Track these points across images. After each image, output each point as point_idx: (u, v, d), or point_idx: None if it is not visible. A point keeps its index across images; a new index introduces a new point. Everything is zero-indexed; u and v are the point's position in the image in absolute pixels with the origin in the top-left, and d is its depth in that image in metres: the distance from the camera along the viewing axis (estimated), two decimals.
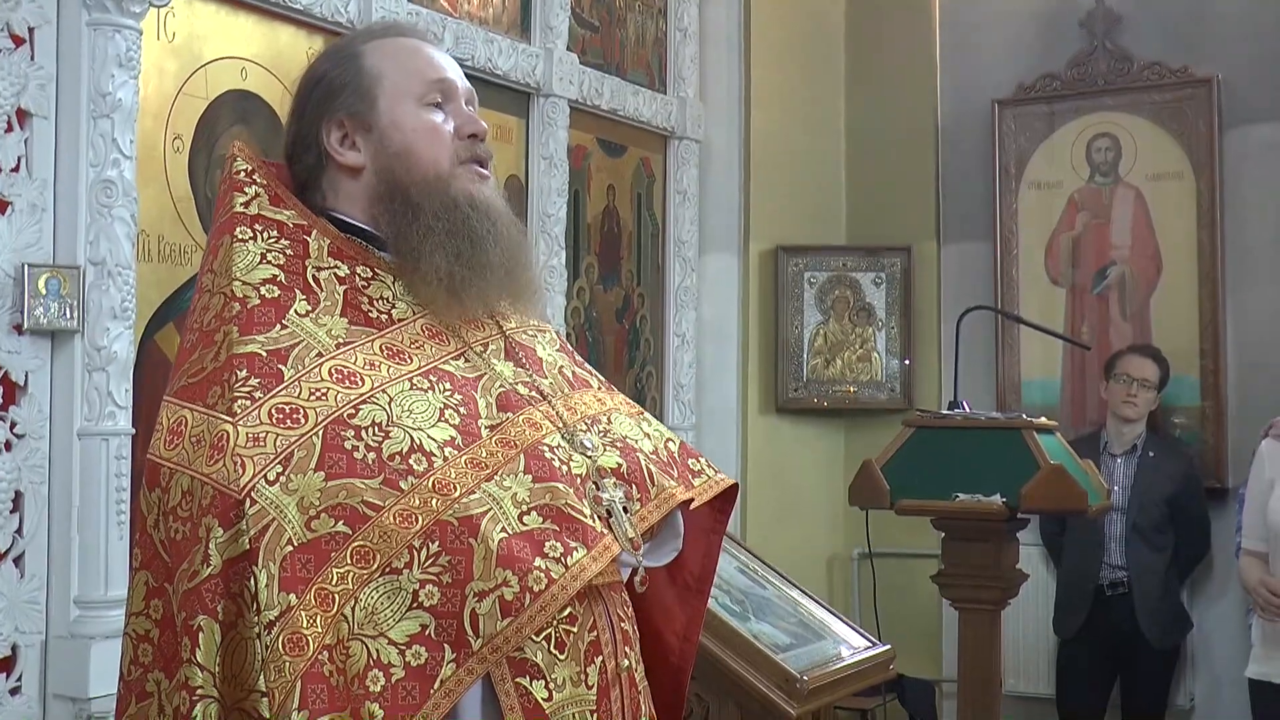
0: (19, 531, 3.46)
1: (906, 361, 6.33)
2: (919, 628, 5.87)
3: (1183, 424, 5.79)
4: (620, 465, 1.90)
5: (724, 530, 2.15)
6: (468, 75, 2.07)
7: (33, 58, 3.50)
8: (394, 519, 1.68)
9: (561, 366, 2.05)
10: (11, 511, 3.44)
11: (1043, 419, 4.00)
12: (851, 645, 3.47)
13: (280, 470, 1.68)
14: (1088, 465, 4.04)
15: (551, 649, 1.75)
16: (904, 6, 6.48)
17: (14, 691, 3.45)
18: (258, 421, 1.70)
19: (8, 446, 3.45)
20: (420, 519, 1.69)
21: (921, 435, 3.91)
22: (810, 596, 3.62)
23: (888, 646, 3.56)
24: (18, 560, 3.46)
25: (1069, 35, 6.14)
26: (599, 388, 2.08)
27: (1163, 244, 5.91)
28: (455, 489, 1.72)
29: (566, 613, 1.75)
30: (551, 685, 1.74)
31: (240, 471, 1.66)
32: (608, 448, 1.92)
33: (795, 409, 6.34)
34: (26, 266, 3.43)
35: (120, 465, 3.53)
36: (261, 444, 1.69)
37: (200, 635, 1.64)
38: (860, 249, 6.42)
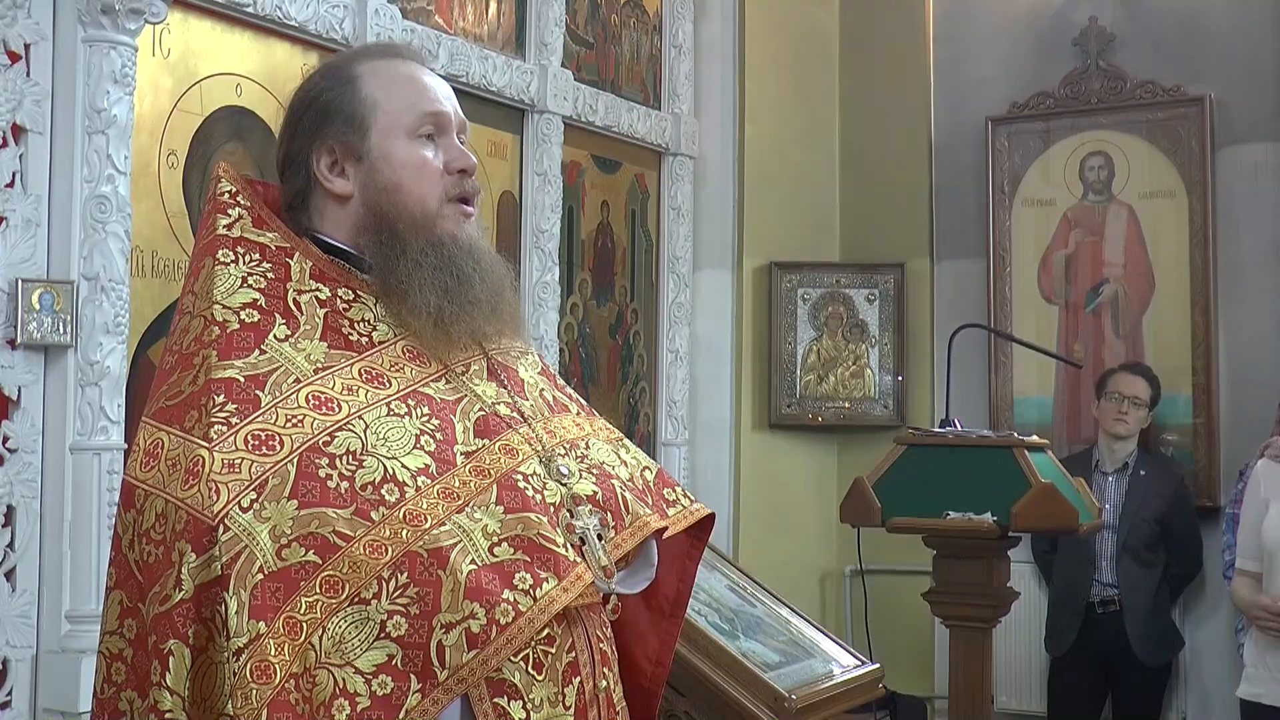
0: (10, 546, 3.47)
1: (900, 378, 6.34)
2: (911, 645, 5.88)
3: (1175, 442, 5.80)
4: (595, 493, 1.90)
5: (700, 557, 2.15)
6: (462, 92, 2.07)
7: (28, 74, 3.52)
8: (364, 549, 1.68)
9: (542, 389, 2.05)
10: (3, 526, 3.45)
11: (1034, 437, 4.01)
12: (841, 664, 3.46)
13: (254, 497, 1.68)
14: (1079, 483, 4.05)
15: (529, 670, 1.75)
16: (898, 24, 6.50)
17: (4, 706, 3.45)
18: (233, 447, 1.71)
19: (0, 461, 3.45)
20: (390, 550, 1.69)
21: (913, 453, 3.92)
22: (800, 615, 3.62)
23: (877, 665, 3.55)
24: (9, 574, 3.47)
25: (1063, 53, 6.16)
26: (578, 413, 2.08)
27: (1155, 262, 5.92)
28: (426, 520, 1.72)
29: (545, 634, 1.76)
30: (529, 706, 1.75)
31: (214, 497, 1.67)
32: (583, 474, 1.92)
33: (788, 425, 6.35)
34: (20, 281, 3.44)
35: (112, 480, 3.53)
36: (236, 470, 1.69)
37: (170, 659, 1.65)
38: (854, 266, 6.43)
